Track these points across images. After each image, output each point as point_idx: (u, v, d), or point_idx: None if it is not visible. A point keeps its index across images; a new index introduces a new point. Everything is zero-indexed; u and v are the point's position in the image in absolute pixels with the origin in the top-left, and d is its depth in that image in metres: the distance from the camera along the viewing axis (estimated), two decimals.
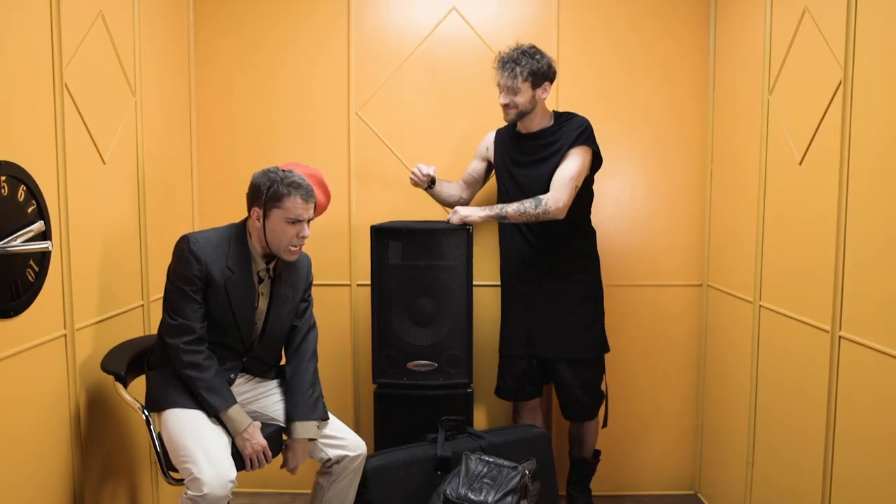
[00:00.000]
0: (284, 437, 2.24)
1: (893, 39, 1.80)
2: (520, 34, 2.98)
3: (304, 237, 2.15)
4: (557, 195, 2.55)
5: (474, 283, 2.67)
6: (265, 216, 2.13)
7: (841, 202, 2.00)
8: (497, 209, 2.59)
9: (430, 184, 2.78)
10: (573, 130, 2.60)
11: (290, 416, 2.22)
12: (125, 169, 2.46)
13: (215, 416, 2.09)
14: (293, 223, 2.12)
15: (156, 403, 2.11)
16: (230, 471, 1.95)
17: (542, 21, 3.01)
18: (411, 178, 2.77)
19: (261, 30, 3.03)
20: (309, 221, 2.16)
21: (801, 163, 2.26)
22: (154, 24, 2.67)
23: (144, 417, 2.12)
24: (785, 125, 2.36)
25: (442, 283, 2.63)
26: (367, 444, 2.32)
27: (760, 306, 2.54)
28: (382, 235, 2.65)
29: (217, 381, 2.10)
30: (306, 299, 2.38)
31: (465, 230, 2.61)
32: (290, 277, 2.29)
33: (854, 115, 1.96)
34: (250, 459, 2.09)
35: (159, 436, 2.09)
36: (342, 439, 2.27)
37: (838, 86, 2.02)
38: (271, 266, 2.24)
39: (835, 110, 2.05)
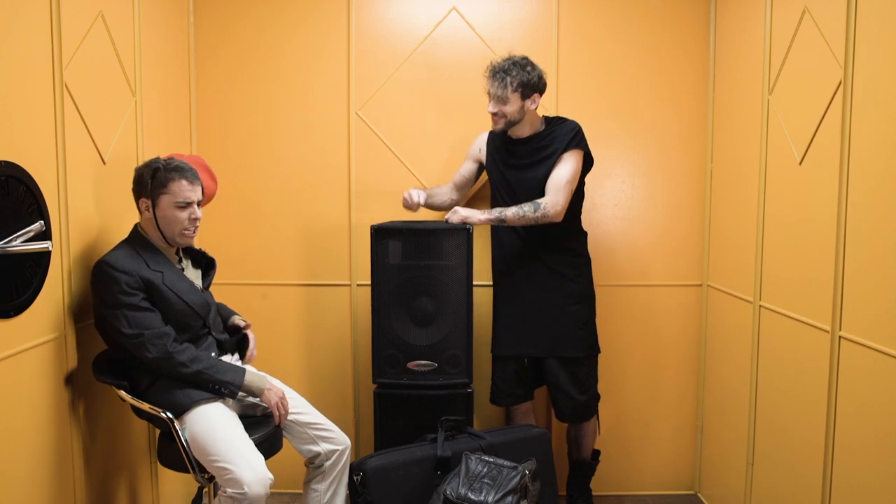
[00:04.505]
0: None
1: (893, 39, 1.80)
2: (520, 34, 2.99)
3: (196, 219, 2.17)
4: (555, 199, 2.57)
5: (474, 282, 2.67)
6: (154, 205, 2.13)
7: (841, 202, 2.00)
8: (496, 213, 2.60)
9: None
10: (566, 134, 2.63)
11: (228, 315, 2.48)
12: (125, 169, 2.45)
13: (237, 390, 2.11)
14: (183, 207, 2.13)
15: (177, 408, 2.06)
16: (267, 470, 2.01)
17: (542, 21, 3.01)
18: (405, 203, 2.74)
19: (260, 30, 3.03)
20: (199, 204, 2.18)
21: (801, 163, 2.25)
22: (154, 24, 2.67)
23: (167, 418, 2.02)
24: (785, 125, 2.36)
25: (442, 283, 2.63)
26: (367, 444, 2.32)
27: (760, 306, 2.54)
28: (382, 235, 2.65)
29: (216, 358, 2.18)
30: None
31: (464, 230, 2.61)
32: (194, 252, 2.37)
33: (854, 115, 1.96)
34: (277, 408, 2.18)
35: (186, 438, 2.05)
36: (329, 430, 2.32)
37: (838, 86, 2.02)
38: (180, 252, 2.29)
39: (835, 110, 2.05)
